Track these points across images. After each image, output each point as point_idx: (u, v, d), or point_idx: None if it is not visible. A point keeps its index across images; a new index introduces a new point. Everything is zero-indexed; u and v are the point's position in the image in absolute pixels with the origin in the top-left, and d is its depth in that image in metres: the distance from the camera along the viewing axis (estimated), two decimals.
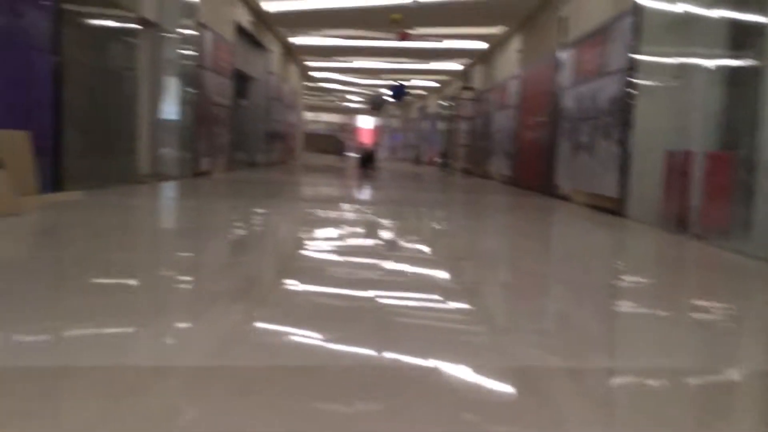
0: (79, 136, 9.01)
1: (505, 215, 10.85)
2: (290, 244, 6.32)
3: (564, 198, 12.78)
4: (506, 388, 2.45)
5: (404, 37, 15.59)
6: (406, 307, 3.70)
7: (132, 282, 4.07)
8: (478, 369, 2.55)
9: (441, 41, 22.04)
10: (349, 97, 47.80)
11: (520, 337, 3.20)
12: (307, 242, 6.49)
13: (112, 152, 10.03)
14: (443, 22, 19.30)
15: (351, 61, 29.14)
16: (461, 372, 2.53)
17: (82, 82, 9.14)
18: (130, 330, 2.92)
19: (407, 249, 6.11)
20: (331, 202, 11.28)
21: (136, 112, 12.16)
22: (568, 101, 13.12)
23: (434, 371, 2.52)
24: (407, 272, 4.78)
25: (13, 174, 7.06)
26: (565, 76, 13.46)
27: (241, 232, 7.04)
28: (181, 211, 8.85)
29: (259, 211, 8.98)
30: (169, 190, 10.87)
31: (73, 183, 8.54)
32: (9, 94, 7.55)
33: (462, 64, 27.55)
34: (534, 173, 15.67)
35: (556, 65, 14.09)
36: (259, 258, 5.46)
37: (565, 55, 13.61)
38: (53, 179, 8.12)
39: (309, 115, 54.62)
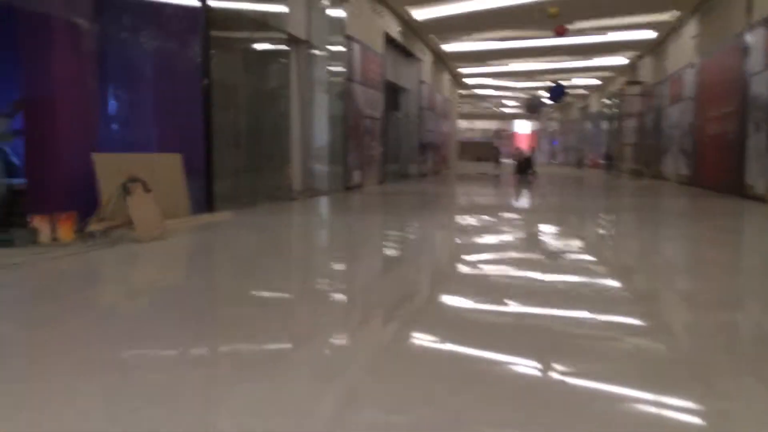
0: (230, 157, 9.10)
1: (685, 221, 9.40)
2: (446, 257, 6.02)
3: (759, 199, 10.94)
4: None
5: (562, 32, 14.45)
6: (577, 324, 3.36)
7: (287, 298, 4.11)
8: (672, 405, 2.12)
9: (604, 34, 20.37)
10: (504, 102, 46.51)
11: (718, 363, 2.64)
12: (464, 254, 6.05)
13: (263, 171, 10.09)
14: (605, 13, 17.74)
15: (506, 64, 28.08)
16: (649, 404, 2.13)
17: (233, 104, 9.25)
18: (287, 346, 2.97)
19: (573, 261, 5.63)
20: (488, 212, 10.51)
21: (287, 129, 12.28)
22: (760, 88, 11.26)
23: (617, 400, 2.20)
24: (575, 285, 4.42)
25: (164, 196, 7.16)
26: (756, 60, 11.60)
27: (394, 245, 6.65)
28: (332, 226, 8.60)
29: (412, 223, 8.49)
30: (319, 206, 10.76)
31: (224, 203, 8.61)
32: (163, 118, 7.73)
33: (627, 58, 25.42)
34: (719, 171, 13.75)
35: (744, 49, 12.22)
36: (414, 272, 5.25)
37: (754, 37, 11.75)
38: (205, 200, 8.21)
39: (463, 123, 54.02)
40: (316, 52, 12.92)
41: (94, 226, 5.70)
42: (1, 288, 4.15)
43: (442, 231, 7.95)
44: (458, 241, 7.08)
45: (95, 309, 3.74)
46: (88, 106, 6.47)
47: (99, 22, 6.52)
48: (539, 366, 2.55)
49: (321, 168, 13.17)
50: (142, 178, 5.88)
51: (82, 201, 6.07)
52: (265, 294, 4.17)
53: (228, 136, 9.09)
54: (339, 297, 4.18)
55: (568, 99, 38.15)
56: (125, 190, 5.68)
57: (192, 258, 5.71)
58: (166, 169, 7.33)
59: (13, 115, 6.24)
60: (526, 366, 2.60)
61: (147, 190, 5.90)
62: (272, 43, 10.49)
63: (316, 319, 3.44)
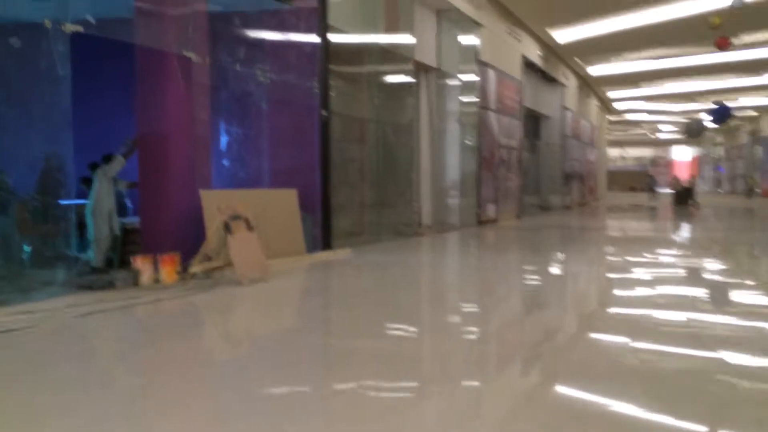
0: (351, 191, 8.70)
1: None
2: (592, 299, 5.51)
3: None
4: None
5: (724, 44, 12.73)
6: (750, 376, 2.85)
7: (415, 339, 3.80)
8: None
9: None
10: (659, 127, 43.18)
11: None
12: (613, 294, 5.56)
13: (387, 205, 9.59)
14: None
15: (661, 86, 25.87)
16: None
17: (354, 136, 8.88)
18: (413, 385, 2.79)
19: (743, 301, 5.06)
20: (640, 247, 9.28)
21: (415, 161, 11.75)
22: None
23: None
24: (748, 331, 3.89)
25: (278, 234, 6.83)
26: None
27: (532, 284, 5.99)
28: (457, 264, 7.85)
29: (551, 261, 7.55)
30: (447, 242, 10.04)
31: (343, 239, 8.18)
32: (278, 152, 7.47)
33: None
34: None
35: None
36: (557, 312, 4.76)
37: None
38: (322, 237, 7.81)
39: (613, 151, 51.04)
40: (447, 79, 12.36)
41: (195, 268, 5.42)
42: (100, 333, 3.89)
43: (584, 271, 6.92)
44: (607, 280, 6.28)
45: (188, 360, 3.30)
46: (201, 142, 6.31)
47: (212, 56, 6.38)
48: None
49: (452, 201, 12.49)
50: (245, 216, 5.53)
51: (193, 240, 5.85)
52: (370, 345, 3.57)
53: (348, 170, 8.71)
54: (468, 344, 3.73)
55: (734, 122, 34.57)
56: (226, 229, 5.35)
57: (288, 303, 5.22)
58: (280, 205, 7.02)
59: (129, 154, 6.23)
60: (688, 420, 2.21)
61: (250, 228, 5.54)
62: (398, 73, 10.05)
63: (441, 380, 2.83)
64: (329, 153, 7.89)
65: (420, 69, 11.67)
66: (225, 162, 6.50)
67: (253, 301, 5.03)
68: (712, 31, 12.35)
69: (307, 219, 7.70)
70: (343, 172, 8.67)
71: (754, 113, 34.37)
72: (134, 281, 5.22)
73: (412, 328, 4.09)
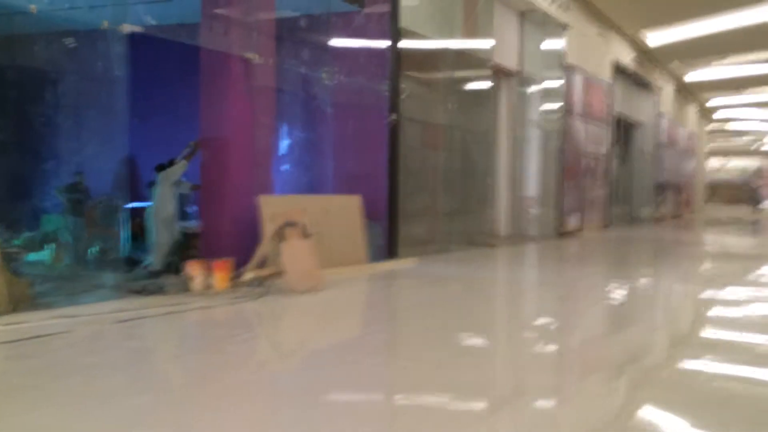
0: (419, 198, 8.37)
1: None
2: (682, 322, 5.05)
3: None
4: None
5: None
6: None
7: (462, 365, 3.36)
8: None
9: None
10: (765, 136, 40.24)
11: None
12: (707, 315, 5.18)
13: (459, 214, 9.19)
14: None
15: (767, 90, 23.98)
16: None
17: (425, 142, 8.55)
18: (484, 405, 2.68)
19: None
20: (738, 265, 8.52)
21: (492, 168, 11.28)
22: None
23: None
24: None
25: (340, 241, 6.61)
26: None
27: (610, 302, 5.54)
28: (527, 279, 7.35)
29: (627, 278, 6.94)
30: (521, 254, 9.53)
31: (410, 248, 7.86)
32: (344, 157, 7.26)
33: None
34: None
35: None
36: (644, 331, 4.52)
37: None
38: (387, 245, 7.53)
39: (714, 162, 48.06)
40: (530, 83, 11.81)
41: (248, 275, 5.26)
42: (131, 342, 3.77)
43: (664, 289, 6.28)
44: (699, 301, 5.66)
45: (217, 376, 3.09)
46: (263, 146, 6.18)
47: (278, 58, 6.23)
48: None
49: (531, 211, 11.91)
50: (301, 222, 5.33)
51: (252, 246, 5.71)
52: (411, 367, 3.30)
53: (419, 176, 8.38)
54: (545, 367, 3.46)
55: None
56: (279, 236, 5.15)
57: (339, 317, 4.93)
58: (343, 212, 6.79)
59: (191, 156, 6.18)
60: None
61: (306, 235, 5.33)
62: (476, 77, 9.63)
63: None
64: (398, 159, 7.59)
65: (500, 73, 11.19)
66: (288, 166, 6.34)
67: (299, 312, 4.80)
68: None
69: (373, 227, 7.44)
70: (414, 178, 8.36)
71: None
72: (185, 287, 5.12)
73: (458, 353, 3.71)
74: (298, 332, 4.37)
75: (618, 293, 6.09)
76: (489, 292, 6.13)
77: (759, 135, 39.68)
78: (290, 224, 5.27)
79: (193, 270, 5.14)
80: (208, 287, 5.16)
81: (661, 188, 20.18)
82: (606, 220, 14.97)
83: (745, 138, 41.71)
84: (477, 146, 10.02)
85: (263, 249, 5.23)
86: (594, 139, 13.96)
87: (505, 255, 9.26)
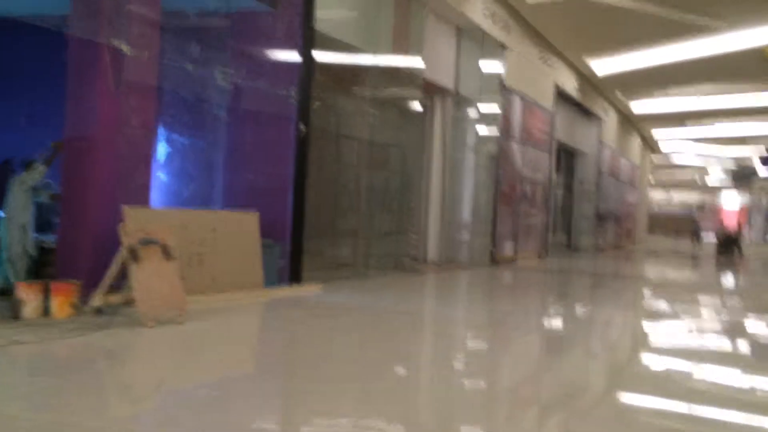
0: (330, 219, 7.68)
1: None
2: (619, 351, 4.93)
3: None
4: None
5: None
6: None
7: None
8: None
9: None
10: (707, 171, 41.14)
11: None
12: (641, 350, 4.99)
13: (378, 237, 8.51)
14: None
15: (711, 125, 24.26)
16: None
17: (341, 158, 7.89)
18: None
19: None
20: (675, 300, 8.12)
21: (422, 190, 10.69)
22: None
23: None
24: None
25: (229, 263, 5.84)
26: None
27: (532, 339, 4.88)
28: (437, 314, 6.66)
29: (568, 313, 6.35)
30: (443, 282, 8.88)
31: (317, 273, 7.13)
32: (239, 169, 6.50)
33: None
34: None
35: None
36: (577, 366, 4.34)
37: None
38: (291, 268, 6.77)
39: (657, 194, 48.98)
40: (466, 105, 11.30)
41: (97, 300, 4.44)
42: None
43: (592, 325, 5.69)
44: (631, 331, 5.19)
45: None
46: (137, 151, 5.38)
47: (163, 53, 5.47)
48: None
49: (463, 237, 11.34)
50: (164, 241, 4.54)
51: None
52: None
53: (333, 194, 7.70)
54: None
55: None
56: (132, 256, 4.35)
57: (184, 359, 4.10)
58: (235, 230, 6.02)
59: (50, 160, 5.33)
60: None
61: (168, 257, 4.54)
62: (404, 93, 9.03)
63: None
64: (305, 173, 6.87)
65: (434, 91, 10.65)
66: (168, 176, 5.54)
67: (140, 352, 4.00)
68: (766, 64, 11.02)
69: (273, 248, 6.69)
70: (327, 196, 7.68)
71: None
72: (15, 314, 4.26)
73: (329, 404, 2.98)
74: (118, 381, 3.55)
75: (544, 329, 5.49)
76: (391, 326, 5.39)
77: (702, 169, 40.55)
78: (148, 242, 4.47)
79: (26, 293, 4.29)
80: (43, 314, 4.32)
81: (601, 218, 20.00)
82: (543, 249, 14.54)
83: (688, 171, 42.59)
84: (406, 166, 9.41)
85: (114, 269, 4.42)
86: (532, 165, 13.55)
87: (427, 282, 8.61)
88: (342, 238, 8.03)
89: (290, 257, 6.77)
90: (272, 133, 6.61)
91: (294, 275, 6.78)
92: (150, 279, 4.37)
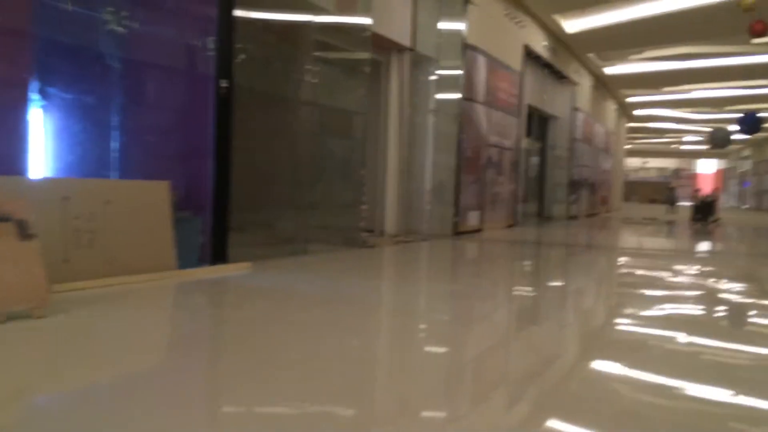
0: (265, 188, 6.86)
1: None
2: (587, 323, 4.56)
3: None
4: None
5: (761, 30, 10.63)
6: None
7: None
8: None
9: None
10: (684, 137, 40.78)
11: None
12: (614, 317, 4.79)
13: (323, 208, 7.71)
14: None
15: (687, 91, 23.68)
16: None
17: (278, 119, 7.03)
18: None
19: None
20: (648, 267, 7.52)
21: (365, 156, 9.87)
22: None
23: None
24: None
25: (130, 240, 5.01)
26: None
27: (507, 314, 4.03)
28: (381, 294, 5.90)
29: (530, 287, 5.63)
30: (398, 257, 8.13)
31: (251, 249, 6.33)
32: (140, 131, 5.61)
33: None
34: None
35: None
36: (543, 341, 3.94)
37: None
38: (213, 245, 5.96)
39: (634, 161, 48.69)
40: (424, 64, 10.45)
41: None
42: None
43: (580, 295, 4.97)
44: (603, 301, 4.48)
45: None
46: (7, 110, 4.49)
47: None
48: None
49: (423, 206, 10.59)
50: (19, 217, 3.69)
51: None
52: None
53: (265, 162, 6.86)
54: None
55: (763, 133, 32.23)
56: None
57: (33, 364, 3.33)
58: (137, 202, 5.18)
59: None
60: None
61: (25, 236, 3.70)
62: (350, 48, 8.15)
63: None
64: (230, 136, 6.03)
65: (388, 48, 9.78)
66: (49, 140, 4.65)
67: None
68: (744, 16, 10.28)
69: (192, 222, 5.87)
70: (263, 163, 6.85)
71: None
72: None
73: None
74: None
75: (500, 305, 4.76)
76: (311, 315, 4.59)
77: (677, 135, 40.17)
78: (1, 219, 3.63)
79: None
80: None
81: (575, 186, 19.38)
82: (513, 219, 13.86)
83: (664, 138, 42.21)
84: (357, 130, 8.57)
85: None
86: (500, 129, 12.77)
87: (376, 257, 7.84)
88: (281, 211, 7.21)
89: (213, 232, 5.96)
90: (184, 90, 5.74)
91: (218, 253, 5.98)
92: (1, 264, 3.53)
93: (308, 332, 3.74)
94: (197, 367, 3.05)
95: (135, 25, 5.14)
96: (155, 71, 5.52)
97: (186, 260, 5.61)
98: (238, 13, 6.03)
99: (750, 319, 4.95)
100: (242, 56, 6.12)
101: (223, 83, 5.91)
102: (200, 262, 5.84)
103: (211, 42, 5.79)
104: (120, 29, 5.02)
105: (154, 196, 5.32)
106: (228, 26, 5.94)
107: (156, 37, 5.42)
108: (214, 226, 5.93)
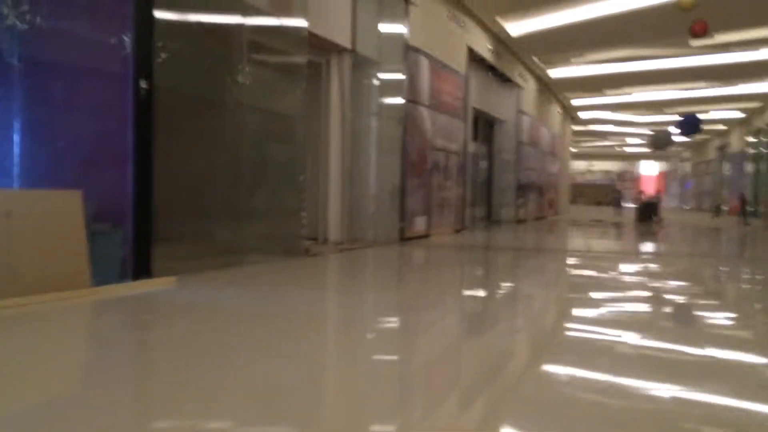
0: (193, 196, 6.44)
1: None
2: (538, 328, 4.45)
3: None
4: None
5: (701, 30, 10.73)
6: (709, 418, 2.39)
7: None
8: None
9: (755, 50, 16.23)
10: (627, 140, 41.75)
11: None
12: (563, 321, 4.66)
13: (258, 217, 7.31)
14: (761, 21, 13.76)
15: (628, 94, 24.14)
16: None
17: (207, 123, 6.62)
18: None
19: (711, 327, 4.43)
20: (595, 269, 7.39)
21: (319, 161, 9.55)
22: None
23: None
24: (714, 358, 3.46)
25: (40, 257, 4.53)
26: None
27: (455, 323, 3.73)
28: (312, 309, 5.55)
29: (483, 293, 5.36)
30: (337, 266, 7.80)
31: (178, 263, 5.90)
32: (58, 139, 5.15)
33: None
34: None
35: None
36: (491, 345, 3.80)
37: None
38: (135, 259, 5.51)
39: (580, 164, 49.67)
40: (365, 66, 10.17)
41: None
42: None
43: (526, 299, 4.72)
44: (548, 305, 4.25)
45: None
46: None
47: None
48: None
49: (371, 213, 10.29)
50: None
51: None
52: None
53: (194, 169, 6.44)
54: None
55: (702, 136, 33.28)
56: None
57: None
58: (45, 213, 4.71)
59: None
60: None
61: None
62: (285, 49, 7.79)
63: None
64: (151, 141, 5.59)
65: (328, 48, 9.47)
66: None
67: None
68: (684, 17, 10.37)
69: (112, 235, 5.41)
70: (192, 170, 6.43)
71: (723, 127, 33.02)
72: None
73: None
74: None
75: (446, 312, 4.47)
76: (240, 336, 4.18)
77: (620, 138, 41.08)
78: None
79: None
80: None
81: (522, 189, 19.42)
82: (460, 223, 13.70)
83: (608, 141, 43.12)
84: (295, 134, 8.20)
85: None
86: (445, 133, 12.60)
87: (321, 266, 7.49)
88: (215, 220, 6.79)
89: (135, 245, 5.50)
90: (98, 91, 5.29)
91: (141, 267, 5.53)
92: None
93: (230, 353, 3.37)
94: (100, 399, 2.65)
95: (38, 20, 4.67)
96: (63, 70, 5.06)
97: (105, 276, 5.17)
98: (159, 10, 5.62)
99: (694, 319, 4.83)
100: (164, 56, 5.70)
101: (143, 84, 5.48)
102: (122, 277, 5.38)
103: (127, 39, 5.35)
104: (19, 24, 4.55)
105: (64, 207, 4.86)
106: (147, 24, 5.51)
107: (63, 33, 4.96)
108: (136, 237, 5.47)
